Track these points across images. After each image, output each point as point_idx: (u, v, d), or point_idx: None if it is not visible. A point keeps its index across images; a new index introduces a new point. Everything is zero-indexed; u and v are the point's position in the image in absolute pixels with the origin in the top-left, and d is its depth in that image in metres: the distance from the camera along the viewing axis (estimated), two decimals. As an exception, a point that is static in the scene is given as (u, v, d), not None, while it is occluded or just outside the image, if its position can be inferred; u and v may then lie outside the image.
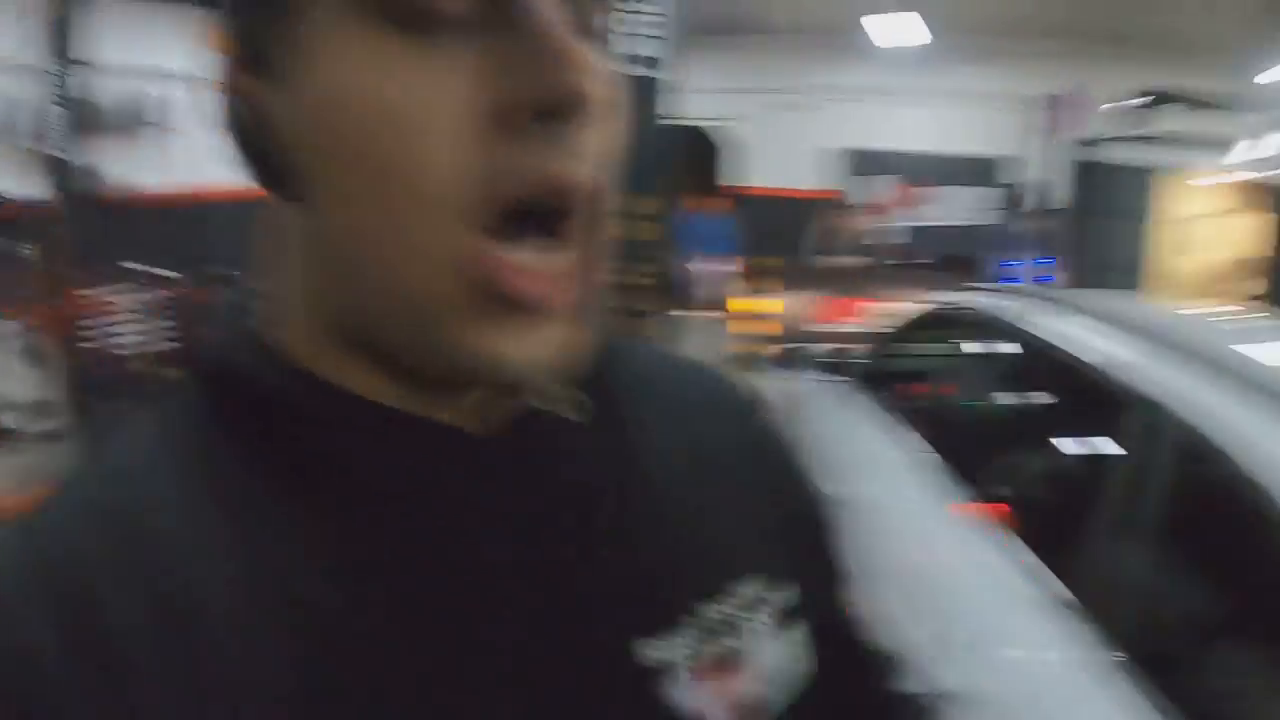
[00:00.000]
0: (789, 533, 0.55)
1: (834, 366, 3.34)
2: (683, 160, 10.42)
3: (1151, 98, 6.26)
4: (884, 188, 9.27)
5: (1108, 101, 6.84)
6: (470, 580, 0.43)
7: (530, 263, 0.39)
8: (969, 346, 2.71)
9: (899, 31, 8.46)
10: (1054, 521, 1.76)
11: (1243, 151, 6.63)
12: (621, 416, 0.51)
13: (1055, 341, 2.05)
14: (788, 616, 0.52)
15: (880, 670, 0.62)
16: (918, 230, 8.78)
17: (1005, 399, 2.41)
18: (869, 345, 3.31)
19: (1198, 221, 7.16)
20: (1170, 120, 6.59)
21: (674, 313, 9.33)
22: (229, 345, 0.46)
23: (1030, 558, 1.67)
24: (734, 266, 8.07)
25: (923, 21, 8.00)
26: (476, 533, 0.44)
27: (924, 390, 2.88)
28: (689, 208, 9.65)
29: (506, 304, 0.39)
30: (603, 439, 0.49)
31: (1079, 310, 2.05)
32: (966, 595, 1.81)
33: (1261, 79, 7.98)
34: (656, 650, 0.46)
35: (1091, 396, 1.90)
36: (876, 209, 8.20)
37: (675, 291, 9.93)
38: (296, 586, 0.40)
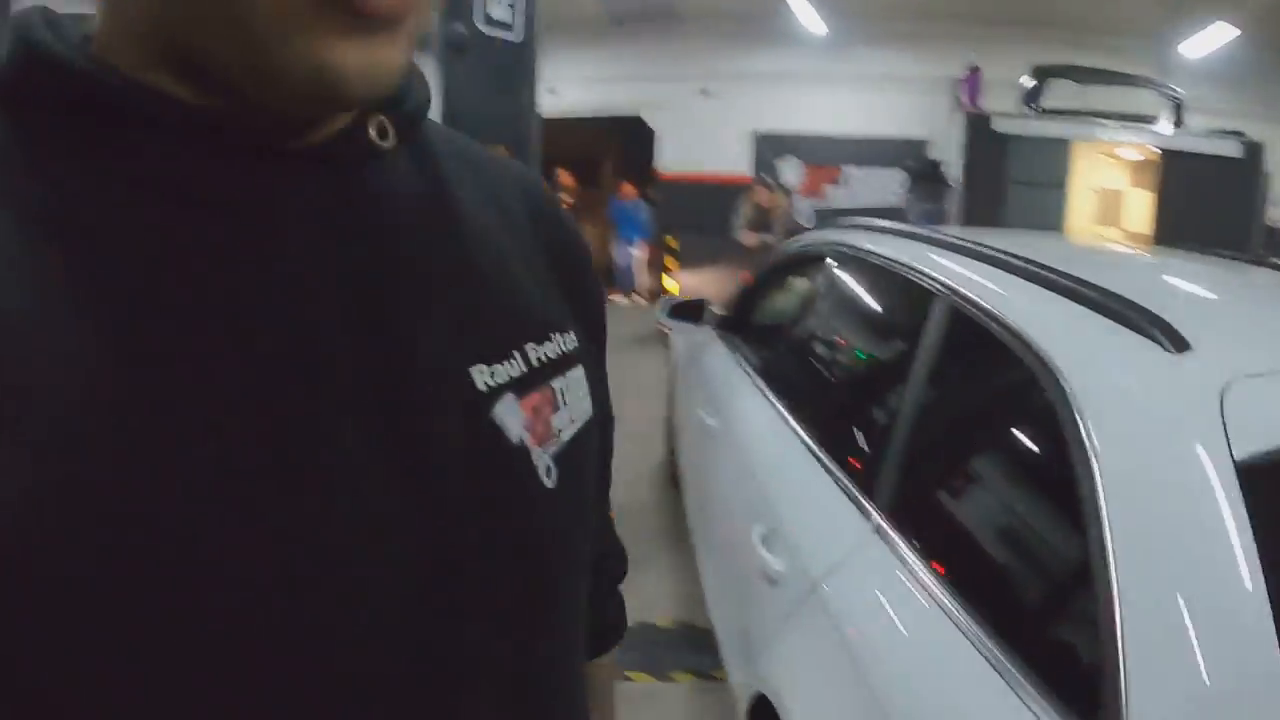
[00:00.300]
0: (579, 304, 0.58)
1: (693, 314, 3.32)
2: (619, 147, 10.39)
3: (1042, 73, 6.35)
4: (796, 170, 9.33)
5: (1015, 78, 6.95)
6: (296, 291, 0.42)
7: None
8: (810, 282, 2.69)
9: (812, 17, 8.53)
10: (867, 444, 1.75)
11: (1159, 127, 6.76)
12: (438, 161, 0.52)
13: (890, 265, 2.01)
14: (589, 372, 0.56)
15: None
16: (826, 212, 8.86)
17: (839, 328, 2.39)
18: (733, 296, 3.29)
19: (1112, 193, 7.29)
20: (1073, 96, 6.70)
21: (614, 299, 9.29)
22: (42, 38, 0.41)
23: (846, 480, 1.65)
24: (643, 251, 8.06)
25: (818, 11, 8.06)
26: (303, 245, 0.42)
27: (769, 327, 2.88)
28: (618, 195, 9.61)
29: (353, 12, 0.38)
30: (423, 172, 0.50)
31: (924, 238, 2.01)
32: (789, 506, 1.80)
33: (1184, 49, 8.16)
34: (490, 377, 0.48)
35: (907, 306, 1.86)
36: (788, 191, 8.26)
37: (616, 279, 9.86)
38: (109, 307, 0.37)
